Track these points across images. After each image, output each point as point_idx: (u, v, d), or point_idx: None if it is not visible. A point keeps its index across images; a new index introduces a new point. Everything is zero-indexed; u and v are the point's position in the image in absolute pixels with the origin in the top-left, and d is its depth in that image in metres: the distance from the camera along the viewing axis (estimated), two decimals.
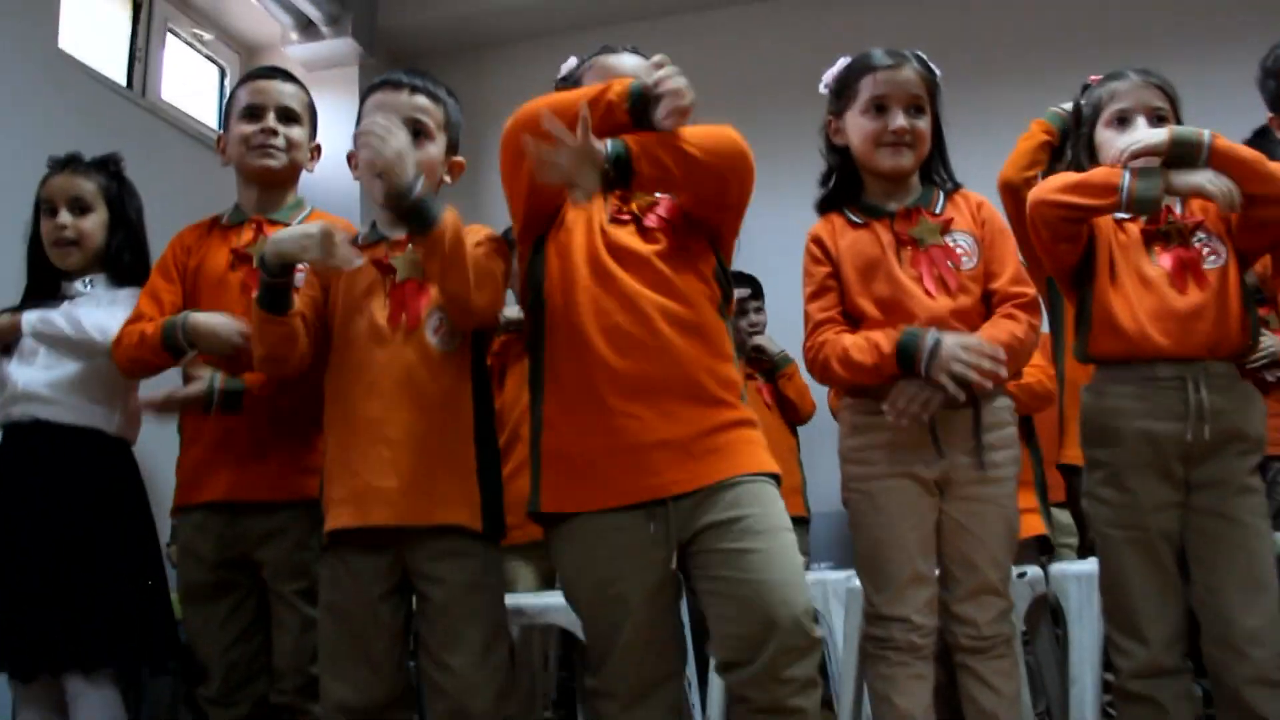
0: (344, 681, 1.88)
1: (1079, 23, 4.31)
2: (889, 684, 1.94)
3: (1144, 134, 1.95)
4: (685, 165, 1.73)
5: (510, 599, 2.31)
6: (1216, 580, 1.94)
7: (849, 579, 2.56)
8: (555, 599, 2.10)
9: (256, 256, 2.15)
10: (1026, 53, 4.37)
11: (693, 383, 1.76)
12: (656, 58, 1.77)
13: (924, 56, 2.11)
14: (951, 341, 1.89)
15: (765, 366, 3.76)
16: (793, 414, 3.78)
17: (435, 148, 2.03)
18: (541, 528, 1.86)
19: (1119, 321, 1.98)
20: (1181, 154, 1.89)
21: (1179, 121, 2.10)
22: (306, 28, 4.57)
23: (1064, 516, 2.97)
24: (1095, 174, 2.01)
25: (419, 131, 2.00)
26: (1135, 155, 1.90)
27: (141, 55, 4.22)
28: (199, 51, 4.58)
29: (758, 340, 3.74)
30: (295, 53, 4.63)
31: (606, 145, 1.70)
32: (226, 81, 4.71)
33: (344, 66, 4.69)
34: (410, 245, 1.94)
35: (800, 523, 3.67)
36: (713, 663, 2.10)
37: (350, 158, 2.03)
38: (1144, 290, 1.99)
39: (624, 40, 4.72)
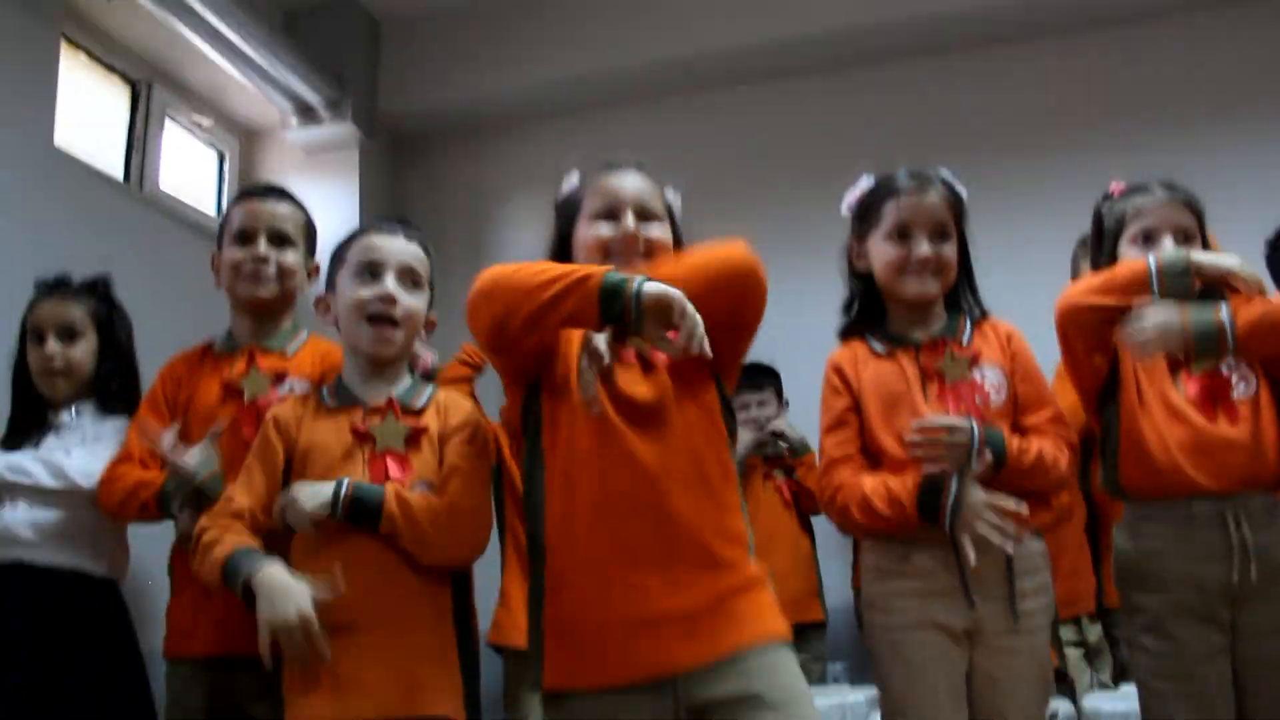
0: None
1: (1085, 100, 4.23)
2: None
3: (1161, 324, 1.85)
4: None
5: None
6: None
7: (870, 707, 2.46)
8: None
9: (249, 392, 2.09)
10: (1031, 130, 4.29)
11: (700, 547, 1.66)
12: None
13: (949, 177, 2.04)
14: (976, 500, 1.81)
15: (784, 463, 3.66)
16: (810, 504, 3.66)
17: (422, 299, 1.98)
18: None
19: (1150, 454, 1.90)
20: (1204, 346, 1.82)
21: (1205, 238, 2.03)
22: (306, 112, 4.52)
23: (1095, 629, 2.87)
24: (1121, 270, 1.94)
25: (414, 281, 1.95)
26: (1158, 349, 1.82)
27: (139, 145, 4.16)
28: (198, 137, 4.53)
29: (777, 424, 3.63)
30: (295, 137, 4.58)
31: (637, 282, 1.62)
32: (226, 166, 4.66)
33: (344, 150, 4.63)
34: (390, 411, 1.86)
35: (818, 627, 3.57)
36: None
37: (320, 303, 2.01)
38: (1174, 420, 1.90)
39: (625, 121, 4.69)
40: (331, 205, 4.61)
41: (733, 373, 1.85)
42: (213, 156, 4.63)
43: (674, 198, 2.00)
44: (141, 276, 3.74)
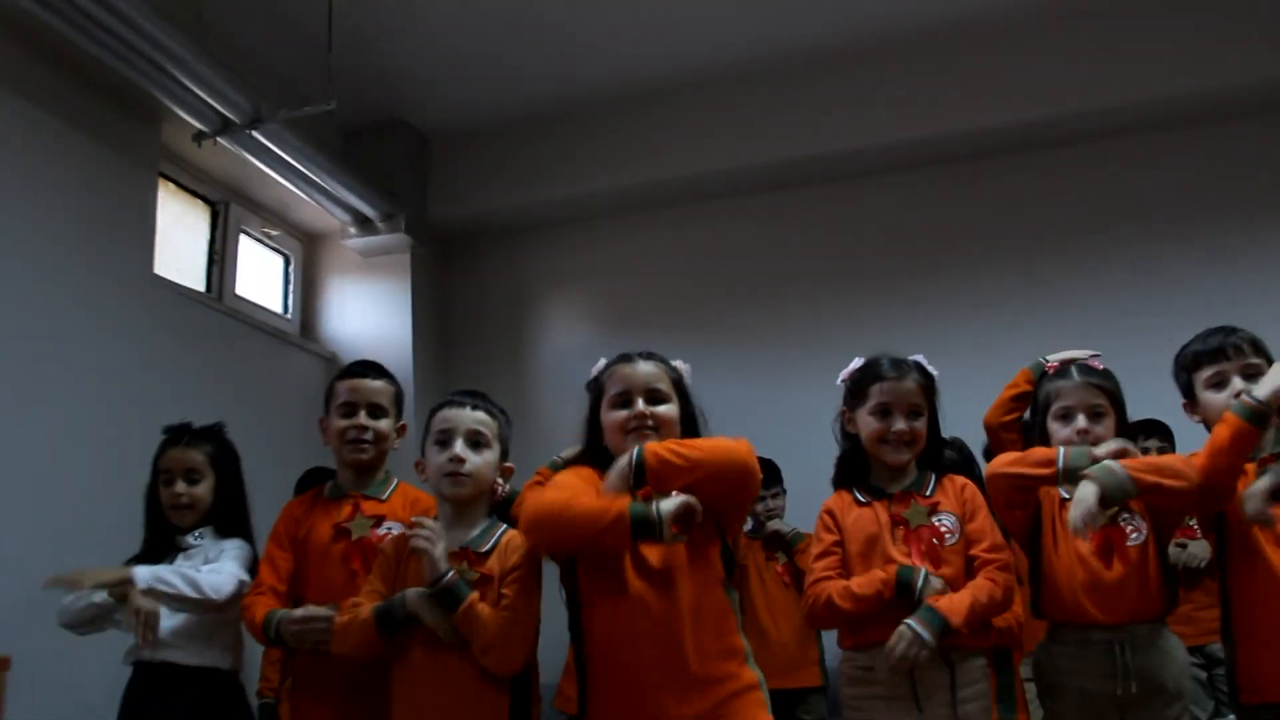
0: None
1: (1076, 208, 4.73)
2: None
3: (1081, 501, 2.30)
4: (693, 480, 2.16)
5: None
6: None
7: None
8: None
9: (355, 534, 2.59)
10: (1028, 236, 4.79)
11: (702, 667, 2.14)
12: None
13: (924, 364, 2.52)
14: (938, 583, 2.33)
15: (784, 546, 4.14)
16: None
17: (491, 454, 2.43)
18: None
19: (1060, 591, 2.39)
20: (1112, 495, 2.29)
21: (1119, 410, 2.50)
22: (363, 223, 5.04)
23: None
24: (1035, 453, 2.43)
25: (478, 441, 2.42)
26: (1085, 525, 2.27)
27: (219, 257, 4.72)
28: (267, 245, 5.07)
29: (773, 525, 4.11)
30: (353, 244, 5.11)
31: (633, 455, 2.15)
32: (291, 269, 5.21)
33: (397, 254, 5.18)
34: (465, 560, 2.34)
35: (819, 691, 4.04)
36: None
37: (418, 465, 2.48)
38: (1078, 565, 2.39)
39: (646, 227, 5.23)
40: (386, 303, 5.18)
41: (736, 528, 2.35)
42: (279, 260, 5.17)
43: (683, 367, 2.47)
44: (222, 377, 4.31)
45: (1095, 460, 2.32)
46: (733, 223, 5.14)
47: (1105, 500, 2.29)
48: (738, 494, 2.27)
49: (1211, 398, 2.48)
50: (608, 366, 2.44)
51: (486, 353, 5.30)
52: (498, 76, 4.90)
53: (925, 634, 2.29)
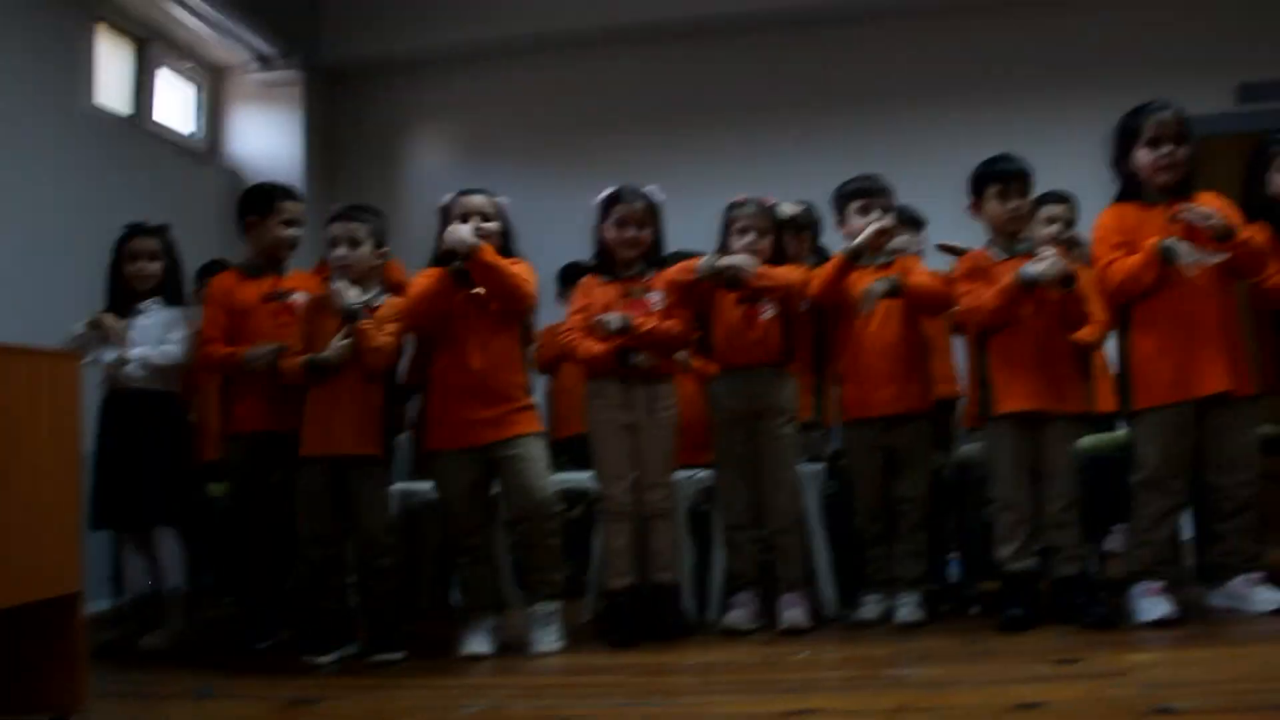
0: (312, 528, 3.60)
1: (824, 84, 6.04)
2: (604, 532, 3.73)
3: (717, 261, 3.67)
4: (493, 285, 3.44)
5: (405, 485, 4.04)
6: (761, 477, 3.72)
7: None
8: (429, 485, 3.81)
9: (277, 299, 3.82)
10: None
11: (502, 388, 3.50)
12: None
13: (652, 192, 3.74)
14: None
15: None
16: None
17: (365, 248, 3.64)
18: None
19: (719, 346, 3.74)
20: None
21: (777, 231, 3.78)
22: (263, 60, 6.10)
23: None
24: (689, 262, 3.70)
25: (354, 242, 3.62)
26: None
27: (143, 87, 5.73)
28: (181, 77, 6.07)
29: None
30: (254, 78, 6.17)
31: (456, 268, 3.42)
32: (201, 96, 6.23)
33: (290, 87, 6.27)
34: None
35: None
36: None
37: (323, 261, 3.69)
38: (731, 330, 3.72)
39: (506, 72, 6.44)
40: (281, 128, 6.28)
41: (525, 316, 3.65)
42: (191, 90, 6.19)
43: (504, 201, 3.68)
44: (144, 188, 5.38)
45: (720, 263, 3.63)
46: (574, 71, 6.32)
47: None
48: (515, 305, 3.56)
49: (857, 220, 3.75)
50: (455, 198, 3.63)
51: (367, 171, 6.46)
52: None
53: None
